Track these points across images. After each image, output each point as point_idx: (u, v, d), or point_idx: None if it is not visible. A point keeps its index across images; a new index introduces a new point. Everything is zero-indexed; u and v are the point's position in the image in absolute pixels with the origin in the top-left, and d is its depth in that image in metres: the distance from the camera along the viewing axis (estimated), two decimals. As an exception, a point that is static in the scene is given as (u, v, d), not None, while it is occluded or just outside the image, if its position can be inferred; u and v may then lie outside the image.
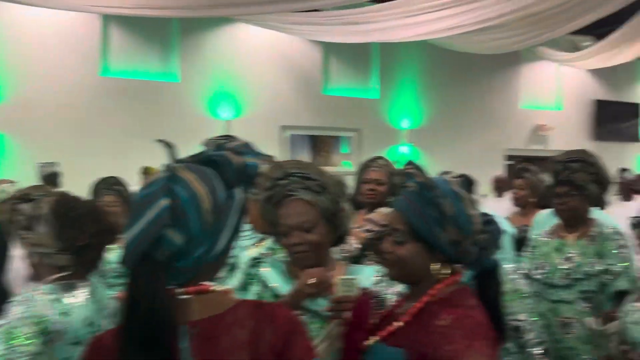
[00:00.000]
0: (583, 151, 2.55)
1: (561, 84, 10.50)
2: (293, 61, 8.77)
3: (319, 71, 8.98)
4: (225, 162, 1.00)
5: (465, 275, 1.33)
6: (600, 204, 2.52)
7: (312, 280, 1.38)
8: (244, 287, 1.59)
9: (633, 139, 10.84)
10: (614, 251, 2.42)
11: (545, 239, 2.59)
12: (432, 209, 1.26)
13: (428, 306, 1.24)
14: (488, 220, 1.32)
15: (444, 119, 9.66)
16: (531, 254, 2.61)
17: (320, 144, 9.26)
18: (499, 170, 9.48)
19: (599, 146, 10.53)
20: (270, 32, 7.94)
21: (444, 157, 9.15)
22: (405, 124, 9.56)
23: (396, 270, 1.32)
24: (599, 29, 7.62)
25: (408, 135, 9.53)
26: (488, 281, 1.30)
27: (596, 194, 2.48)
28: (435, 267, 1.27)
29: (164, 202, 0.92)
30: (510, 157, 9.90)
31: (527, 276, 2.54)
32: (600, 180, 2.49)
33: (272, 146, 8.64)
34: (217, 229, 0.97)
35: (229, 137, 1.10)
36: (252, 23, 7.53)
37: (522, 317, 2.05)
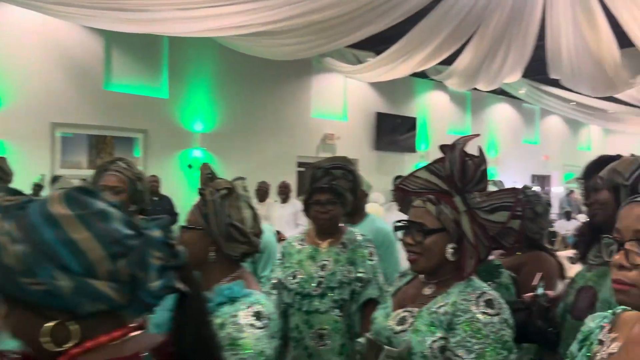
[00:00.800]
0: (344, 158, 2.47)
1: (347, 96, 11.07)
2: (68, 50, 7.82)
3: (99, 64, 8.14)
4: None
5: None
6: (354, 213, 2.50)
7: None
8: None
9: (410, 149, 11.88)
10: (364, 259, 2.39)
11: (298, 246, 2.45)
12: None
13: None
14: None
15: (238, 123, 9.50)
16: (281, 262, 2.45)
17: (102, 145, 8.41)
18: (292, 176, 9.64)
19: (380, 155, 11.39)
20: (41, 16, 6.94)
21: (238, 163, 8.99)
22: (198, 127, 9.17)
23: None
24: (380, 46, 8.18)
25: (201, 139, 9.16)
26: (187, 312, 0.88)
27: (351, 203, 2.44)
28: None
29: None
30: (301, 164, 10.11)
31: (281, 286, 2.37)
32: (355, 190, 2.46)
33: (40, 146, 7.60)
34: None
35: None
36: (15, 3, 6.49)
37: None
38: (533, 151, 14.97)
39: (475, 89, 9.96)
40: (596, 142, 16.83)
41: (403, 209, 5.78)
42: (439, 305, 1.57)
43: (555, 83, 10.83)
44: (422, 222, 1.59)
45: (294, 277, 2.36)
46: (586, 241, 1.96)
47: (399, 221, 1.67)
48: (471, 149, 1.60)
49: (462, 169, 1.60)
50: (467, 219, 1.59)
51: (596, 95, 8.87)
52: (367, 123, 11.43)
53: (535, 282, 1.82)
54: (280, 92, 10.12)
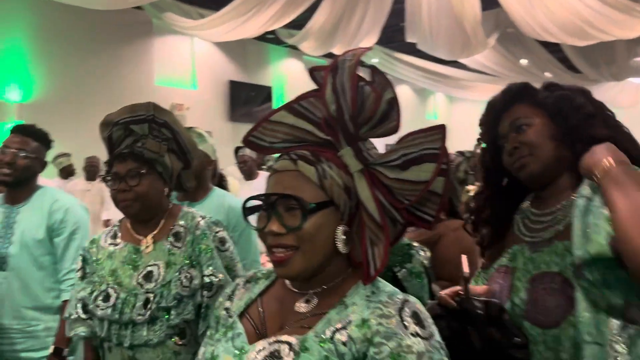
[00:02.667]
0: (150, 105, 1.65)
1: (196, 61, 10.12)
2: None
3: None
4: None
5: None
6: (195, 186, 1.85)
7: None
8: None
9: (265, 121, 11.23)
10: (211, 252, 1.69)
11: (109, 247, 1.71)
12: None
13: None
14: None
15: (64, 91, 8.13)
16: (83, 274, 1.71)
17: None
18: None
19: (236, 127, 10.62)
20: None
21: (66, 138, 7.67)
22: (13, 95, 7.67)
23: None
24: (226, 4, 7.38)
25: (18, 110, 7.67)
26: None
27: (176, 172, 1.74)
28: None
29: None
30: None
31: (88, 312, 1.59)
32: (184, 152, 1.75)
33: None
34: None
35: None
36: None
37: None
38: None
39: (331, 56, 9.58)
40: (442, 110, 17.57)
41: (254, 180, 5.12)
42: (334, 327, 0.93)
43: (408, 50, 10.84)
44: (294, 194, 0.95)
45: (106, 297, 1.59)
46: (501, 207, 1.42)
47: (253, 198, 0.98)
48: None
49: (355, 101, 0.96)
50: (366, 182, 0.96)
51: (452, 58, 8.90)
52: (220, 92, 10.58)
53: (465, 269, 1.25)
54: (116, 54, 8.88)
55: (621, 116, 1.37)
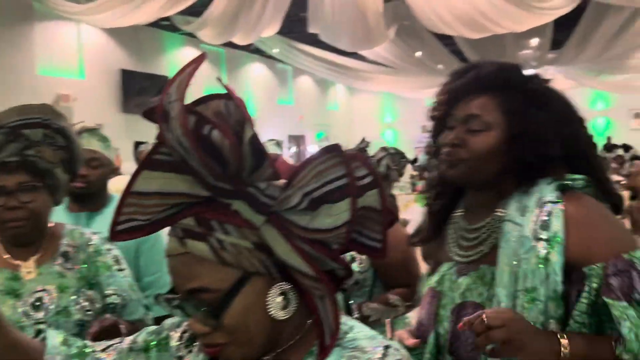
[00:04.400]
0: (44, 107, 1.38)
1: (83, 49, 9.38)
2: None
3: None
4: None
5: None
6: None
7: None
8: None
9: (162, 112, 10.69)
10: (111, 270, 1.50)
11: None
12: None
13: None
14: None
15: None
16: None
17: None
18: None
19: (128, 119, 10.00)
20: None
21: None
22: None
23: None
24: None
25: None
26: None
27: (68, 183, 1.47)
28: None
29: None
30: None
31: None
32: (70, 160, 1.45)
33: None
34: None
35: None
36: None
37: None
38: (288, 111, 15.04)
39: (230, 45, 9.28)
40: (342, 101, 17.76)
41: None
42: None
43: (309, 40, 10.76)
44: (198, 286, 0.74)
45: None
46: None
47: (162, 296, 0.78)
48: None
49: (203, 159, 0.70)
50: (278, 234, 0.73)
51: (354, 49, 8.92)
52: (111, 82, 9.90)
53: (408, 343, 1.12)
54: (-9, 42, 8.03)
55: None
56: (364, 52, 10.36)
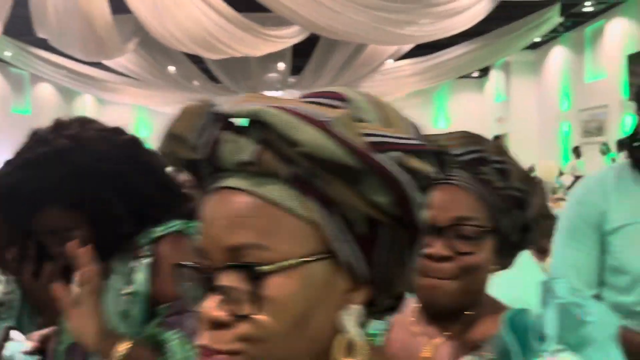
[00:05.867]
0: None
1: None
2: None
3: None
4: None
5: None
6: None
7: None
8: None
9: None
10: None
11: None
12: None
13: None
14: None
15: None
16: None
17: None
18: None
19: None
20: None
21: None
22: None
23: None
24: None
25: None
26: None
27: None
28: None
29: None
30: None
31: None
32: None
33: None
34: None
35: None
36: None
37: None
38: (25, 121, 13.55)
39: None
40: (91, 112, 16.66)
41: None
42: None
43: (47, 46, 9.86)
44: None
45: None
46: None
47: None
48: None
49: None
50: None
51: (88, 59, 8.39)
52: None
53: None
54: None
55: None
56: (108, 62, 9.86)
